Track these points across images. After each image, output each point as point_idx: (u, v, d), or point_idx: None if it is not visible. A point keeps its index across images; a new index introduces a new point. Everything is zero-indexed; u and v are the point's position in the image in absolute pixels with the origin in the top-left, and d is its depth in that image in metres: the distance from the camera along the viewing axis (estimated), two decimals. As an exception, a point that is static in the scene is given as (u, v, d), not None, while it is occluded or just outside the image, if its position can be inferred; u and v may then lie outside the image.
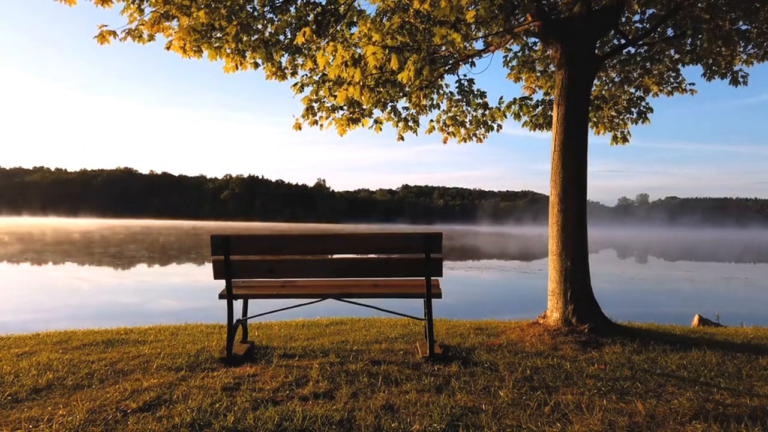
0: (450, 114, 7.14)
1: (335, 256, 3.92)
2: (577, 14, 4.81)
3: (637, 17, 5.97)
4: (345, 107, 6.29)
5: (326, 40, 5.50)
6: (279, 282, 4.29)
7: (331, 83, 5.99)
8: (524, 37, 6.26)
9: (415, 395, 3.02)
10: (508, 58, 6.78)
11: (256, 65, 5.58)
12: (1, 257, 21.28)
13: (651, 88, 6.65)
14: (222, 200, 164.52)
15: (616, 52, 5.85)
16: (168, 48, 5.04)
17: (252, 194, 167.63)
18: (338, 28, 5.56)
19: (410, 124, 6.76)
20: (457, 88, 6.82)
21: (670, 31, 5.73)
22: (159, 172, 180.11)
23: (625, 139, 7.03)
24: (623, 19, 5.84)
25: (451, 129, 7.21)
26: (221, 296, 3.86)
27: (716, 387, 3.27)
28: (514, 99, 6.96)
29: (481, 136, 7.29)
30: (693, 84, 6.57)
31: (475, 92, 6.87)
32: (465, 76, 6.79)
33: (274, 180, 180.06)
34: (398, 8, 5.19)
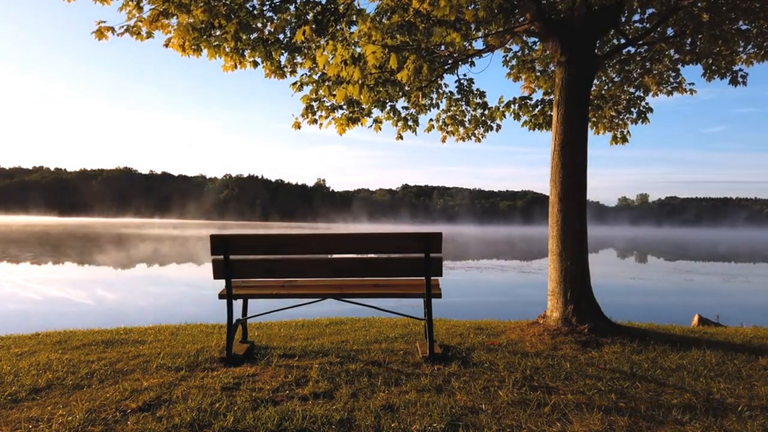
0: (449, 113, 7.14)
1: (335, 256, 3.91)
2: (577, 14, 4.80)
3: (637, 17, 5.96)
4: (344, 106, 6.28)
5: (326, 38, 5.49)
6: (279, 282, 4.29)
7: (330, 82, 5.98)
8: (524, 37, 6.25)
9: (414, 395, 3.01)
10: (507, 58, 6.77)
11: (255, 64, 5.57)
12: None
13: (651, 87, 6.64)
14: (222, 200, 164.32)
15: (616, 51, 5.84)
16: (167, 45, 5.02)
17: (252, 194, 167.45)
18: (338, 27, 5.55)
19: (409, 123, 6.75)
20: (456, 87, 6.82)
21: (670, 31, 5.72)
22: (159, 171, 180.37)
23: (624, 139, 7.03)
24: (623, 19, 5.83)
25: (450, 128, 7.20)
26: (221, 296, 3.85)
27: (716, 387, 3.27)
28: (514, 98, 6.95)
29: (480, 136, 7.28)
30: (693, 84, 6.59)
31: (475, 92, 6.88)
32: (464, 75, 6.81)
33: (273, 180, 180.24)
34: (398, 7, 5.18)
